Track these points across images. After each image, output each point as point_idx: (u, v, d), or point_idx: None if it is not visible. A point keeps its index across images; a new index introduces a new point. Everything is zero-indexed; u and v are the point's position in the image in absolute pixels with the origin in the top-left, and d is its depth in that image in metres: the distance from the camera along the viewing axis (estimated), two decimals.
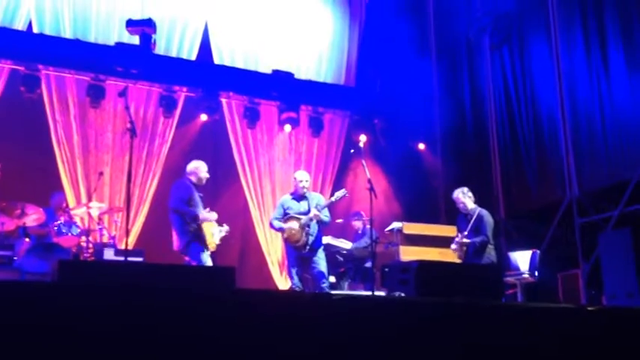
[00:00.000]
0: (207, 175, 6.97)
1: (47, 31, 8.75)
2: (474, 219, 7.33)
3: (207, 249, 6.68)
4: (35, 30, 8.73)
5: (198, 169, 6.92)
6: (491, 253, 7.30)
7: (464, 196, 7.48)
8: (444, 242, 7.88)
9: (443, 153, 10.54)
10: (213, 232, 6.82)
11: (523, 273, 8.03)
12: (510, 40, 10.22)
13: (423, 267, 5.75)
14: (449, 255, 7.67)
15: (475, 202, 7.57)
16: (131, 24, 8.89)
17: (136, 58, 8.97)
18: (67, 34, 8.86)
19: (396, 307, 4.93)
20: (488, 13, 10.47)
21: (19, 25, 8.66)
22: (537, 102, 9.67)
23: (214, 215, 6.83)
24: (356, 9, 11.02)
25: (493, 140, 10.23)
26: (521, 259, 8.19)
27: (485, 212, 7.41)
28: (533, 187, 9.63)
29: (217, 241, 6.89)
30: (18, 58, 8.54)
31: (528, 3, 9.91)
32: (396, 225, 8.18)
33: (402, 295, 5.98)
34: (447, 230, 8.12)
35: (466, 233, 7.32)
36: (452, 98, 10.67)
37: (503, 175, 10.07)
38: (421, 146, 10.69)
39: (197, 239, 6.62)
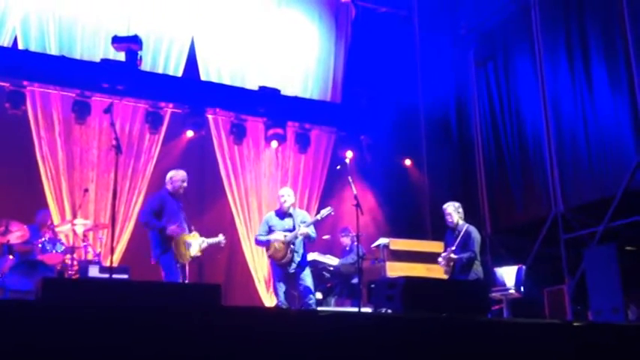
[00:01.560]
0: (184, 184, 6.90)
1: (33, 48, 8.72)
2: (461, 235, 7.34)
3: (179, 261, 6.62)
4: (20, 46, 8.70)
5: (173, 177, 6.89)
6: (478, 269, 7.31)
7: (455, 211, 7.49)
8: (430, 258, 7.90)
9: (429, 169, 10.58)
10: (190, 243, 6.76)
11: (509, 289, 8.05)
12: (495, 56, 10.33)
13: (410, 283, 5.75)
14: (435, 271, 7.68)
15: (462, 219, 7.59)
16: (117, 40, 8.89)
17: (122, 74, 8.96)
18: (53, 50, 8.84)
19: (382, 323, 4.92)
20: (473, 30, 10.58)
21: (5, 41, 8.63)
22: (522, 118, 9.75)
23: (181, 230, 6.73)
24: (342, 26, 11.09)
25: (479, 156, 10.30)
26: (507, 274, 8.21)
27: (472, 228, 7.43)
28: (518, 203, 9.69)
29: (193, 254, 6.83)
30: (3, 75, 8.50)
31: (513, 20, 10.02)
32: (382, 241, 8.17)
33: (389, 311, 5.97)
34: (433, 246, 8.14)
35: (454, 249, 7.33)
36: (437, 114, 10.74)
37: (489, 190, 10.12)
38: (407, 162, 10.74)
39: (168, 251, 6.56)
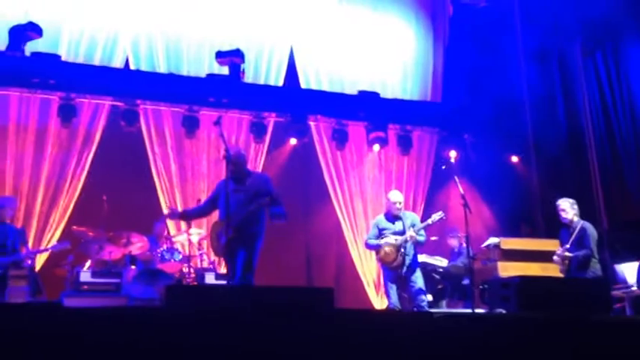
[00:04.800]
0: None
1: (143, 67, 9.13)
2: (576, 232, 7.07)
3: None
4: (132, 67, 9.12)
5: None
6: (595, 267, 7.02)
7: (570, 207, 7.22)
8: (544, 257, 7.65)
9: (538, 165, 10.25)
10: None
11: (631, 286, 7.67)
12: (604, 46, 9.87)
13: (525, 282, 5.62)
14: (550, 270, 7.43)
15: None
16: (220, 55, 9.20)
17: (227, 87, 9.25)
18: (162, 68, 9.22)
19: (498, 324, 4.82)
20: (578, 19, 10.17)
21: (117, 63, 9.09)
22: (636, 108, 9.27)
23: None
24: (439, 24, 10.95)
25: (591, 150, 9.86)
26: (628, 271, 7.83)
27: (588, 225, 7.14)
28: (635, 196, 9.20)
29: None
30: (117, 95, 8.95)
31: (621, 6, 9.55)
32: (492, 240, 8.01)
33: (504, 311, 5.84)
34: (547, 244, 7.88)
35: (568, 246, 7.07)
36: (544, 109, 10.37)
37: (604, 185, 9.66)
38: (514, 159, 10.44)
39: None
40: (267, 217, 6.20)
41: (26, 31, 8.25)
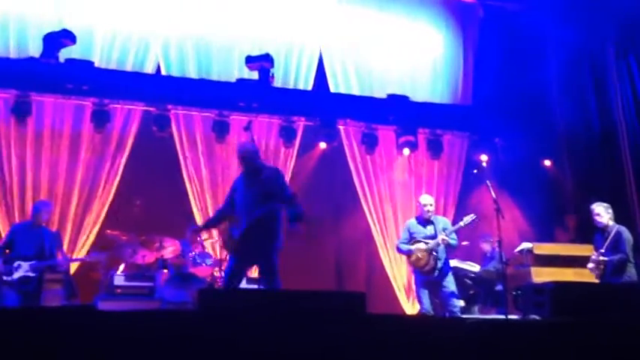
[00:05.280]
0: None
1: (174, 73, 9.24)
2: (611, 236, 6.96)
3: None
4: (163, 72, 9.23)
5: None
6: (631, 272, 6.90)
7: (604, 211, 7.11)
8: (578, 262, 7.55)
9: (571, 168, 10.10)
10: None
11: None
12: (637, 47, 9.70)
13: (560, 288, 5.55)
14: (584, 275, 7.32)
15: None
16: (250, 60, 9.26)
17: (256, 92, 9.29)
18: (192, 73, 9.31)
19: (532, 330, 4.76)
20: (612, 21, 10.01)
21: (149, 69, 9.21)
22: None
23: None
24: (469, 27, 10.87)
25: (625, 152, 9.68)
26: None
27: (623, 229, 7.03)
28: None
29: None
30: (149, 100, 9.05)
31: None
32: (525, 245, 7.92)
33: (537, 318, 5.77)
34: (581, 249, 7.77)
35: (603, 251, 6.96)
36: (577, 111, 10.22)
37: (639, 188, 9.49)
38: (547, 163, 10.31)
39: None
40: (283, 218, 6.06)
41: (60, 38, 8.40)
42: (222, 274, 7.85)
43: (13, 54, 8.59)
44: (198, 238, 8.30)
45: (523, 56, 10.33)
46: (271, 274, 5.88)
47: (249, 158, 6.15)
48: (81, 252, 8.43)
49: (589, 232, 7.40)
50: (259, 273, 6.13)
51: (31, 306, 6.70)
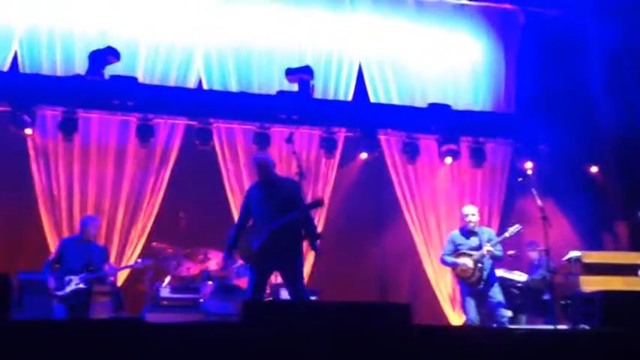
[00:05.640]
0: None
1: (216, 87, 9.35)
2: None
3: None
4: (205, 86, 9.35)
5: None
6: None
7: None
8: (627, 270, 7.38)
9: (618, 174, 9.87)
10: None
11: None
12: None
13: (610, 298, 5.43)
14: (635, 283, 7.16)
15: None
16: (290, 72, 9.32)
17: (297, 104, 9.34)
18: (233, 87, 9.41)
19: (582, 340, 4.66)
20: None
21: (191, 83, 9.34)
22: None
23: None
24: (510, 34, 10.73)
25: None
26: None
27: None
28: None
29: None
30: (192, 114, 9.18)
31: None
32: (573, 254, 7.77)
33: (587, 327, 5.65)
34: (630, 257, 7.61)
35: None
36: (622, 114, 9.98)
37: None
38: (593, 169, 10.09)
39: None
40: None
41: (105, 55, 8.59)
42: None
43: (60, 72, 8.82)
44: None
45: (565, 61, 10.16)
46: (297, 283, 5.97)
47: (268, 168, 6.29)
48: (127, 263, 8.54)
49: (639, 239, 7.21)
50: (285, 283, 6.15)
51: (81, 318, 6.83)
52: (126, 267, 8.23)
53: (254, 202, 6.17)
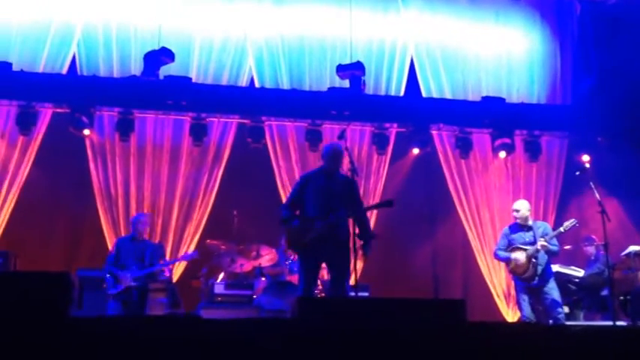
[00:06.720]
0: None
1: (267, 85, 9.42)
2: None
3: None
4: (257, 85, 9.44)
5: None
6: None
7: None
8: None
9: None
10: None
11: None
12: None
13: None
14: None
15: None
16: (341, 69, 9.31)
17: (348, 100, 9.33)
18: (285, 85, 9.47)
19: None
20: None
21: (243, 82, 9.45)
22: None
23: None
24: (566, 25, 10.48)
25: None
26: None
27: None
28: None
29: None
30: (244, 112, 9.29)
31: None
32: (633, 249, 7.56)
33: None
34: None
35: None
36: None
37: None
38: None
39: None
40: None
41: (160, 56, 8.76)
42: (318, 282, 7.91)
43: (116, 73, 9.03)
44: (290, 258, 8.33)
45: (622, 50, 9.84)
46: (345, 279, 5.91)
47: (341, 159, 6.12)
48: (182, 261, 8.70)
49: None
50: (332, 277, 6.03)
51: (137, 315, 6.98)
52: (173, 261, 8.31)
53: (311, 190, 5.98)
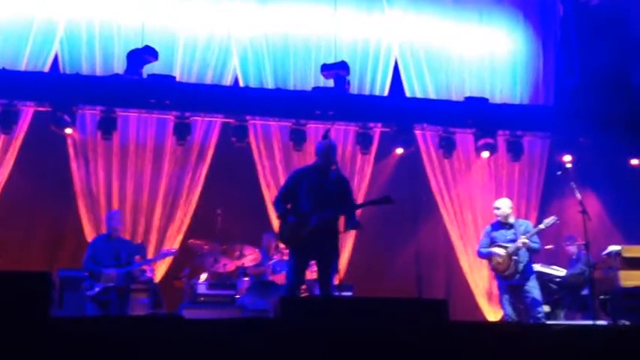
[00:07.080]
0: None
1: (251, 84, 9.39)
2: None
3: None
4: (241, 84, 9.40)
5: None
6: None
7: None
8: None
9: None
10: None
11: None
12: None
13: None
14: None
15: None
16: (326, 68, 9.31)
17: (333, 100, 9.33)
18: (269, 84, 9.45)
19: (622, 336, 4.58)
20: None
21: (227, 81, 9.42)
22: None
23: None
24: (549, 25, 10.56)
25: None
26: None
27: None
28: None
29: None
30: (228, 112, 9.25)
31: None
32: (613, 248, 7.62)
33: (627, 323, 5.56)
34: None
35: None
36: None
37: None
38: (634, 161, 9.88)
39: None
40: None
41: (143, 55, 8.71)
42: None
43: (99, 71, 8.97)
44: (274, 245, 8.31)
45: (605, 52, 9.95)
46: (331, 277, 5.93)
47: (335, 156, 6.12)
48: (164, 260, 8.63)
49: None
50: (320, 275, 6.01)
51: (119, 315, 6.94)
52: (150, 260, 8.24)
53: (305, 187, 5.94)
